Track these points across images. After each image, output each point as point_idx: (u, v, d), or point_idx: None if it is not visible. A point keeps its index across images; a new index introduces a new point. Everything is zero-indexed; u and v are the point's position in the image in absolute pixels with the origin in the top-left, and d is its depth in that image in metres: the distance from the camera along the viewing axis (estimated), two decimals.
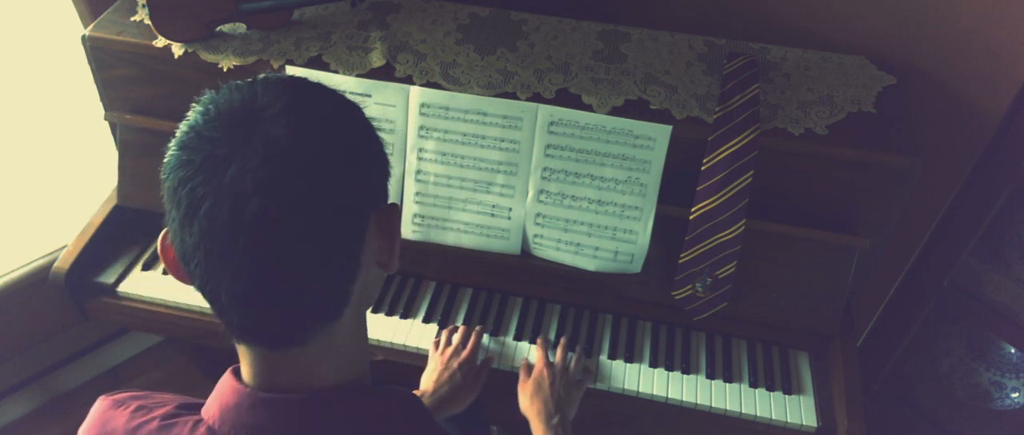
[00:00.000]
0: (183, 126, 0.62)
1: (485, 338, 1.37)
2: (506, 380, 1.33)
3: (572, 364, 1.31)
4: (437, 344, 1.33)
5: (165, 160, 0.62)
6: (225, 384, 0.69)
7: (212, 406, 0.69)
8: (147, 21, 1.38)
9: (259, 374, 0.67)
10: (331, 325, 0.66)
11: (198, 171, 0.58)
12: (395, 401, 0.72)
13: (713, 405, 1.31)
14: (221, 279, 0.59)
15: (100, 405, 0.74)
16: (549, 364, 1.28)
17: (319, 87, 0.66)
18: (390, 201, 0.70)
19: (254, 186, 0.57)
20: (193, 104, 0.63)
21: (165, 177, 0.61)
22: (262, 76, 0.65)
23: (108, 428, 0.71)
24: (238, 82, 0.64)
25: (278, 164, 0.58)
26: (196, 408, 0.71)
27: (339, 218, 0.61)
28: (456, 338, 1.33)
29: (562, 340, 1.34)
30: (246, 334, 0.65)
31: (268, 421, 0.66)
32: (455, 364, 1.27)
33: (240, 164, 0.57)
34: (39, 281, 1.66)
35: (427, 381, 1.26)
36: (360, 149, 0.65)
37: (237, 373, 0.69)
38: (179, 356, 2.04)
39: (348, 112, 0.66)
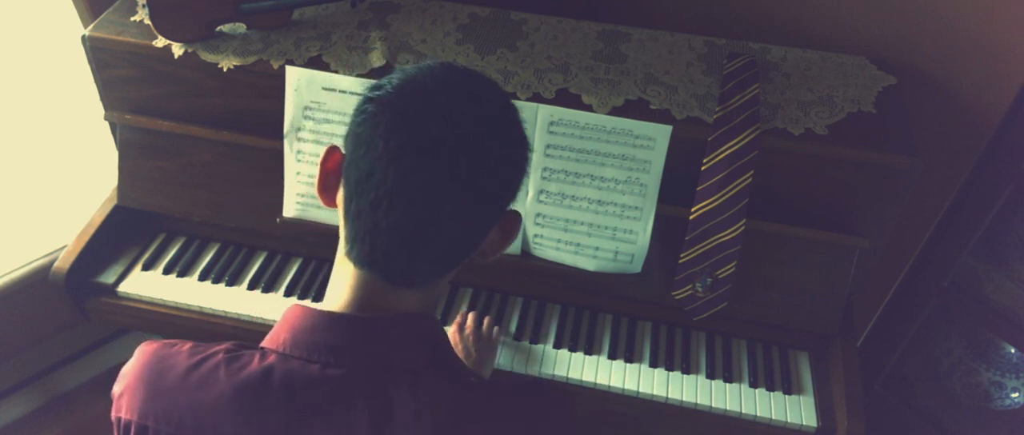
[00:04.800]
0: (410, 83, 0.71)
1: None
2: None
3: (484, 326, 1.34)
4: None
5: (380, 96, 0.70)
6: (293, 313, 0.75)
7: (280, 334, 0.74)
8: (147, 21, 1.38)
9: (355, 301, 0.74)
10: (438, 279, 0.78)
11: (416, 118, 0.68)
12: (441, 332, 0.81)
13: (713, 405, 1.31)
14: (394, 208, 0.68)
15: (147, 348, 0.75)
16: (460, 328, 1.32)
17: None
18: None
19: (463, 141, 0.68)
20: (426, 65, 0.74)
21: (370, 111, 0.69)
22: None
23: (166, 364, 0.72)
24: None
25: (485, 135, 0.70)
26: (251, 348, 0.74)
27: (494, 197, 0.73)
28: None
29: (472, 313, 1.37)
30: (376, 261, 0.72)
31: (342, 337, 0.72)
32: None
33: (460, 124, 0.68)
34: (39, 281, 1.66)
35: None
36: (528, 151, 0.77)
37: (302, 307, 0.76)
38: None
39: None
